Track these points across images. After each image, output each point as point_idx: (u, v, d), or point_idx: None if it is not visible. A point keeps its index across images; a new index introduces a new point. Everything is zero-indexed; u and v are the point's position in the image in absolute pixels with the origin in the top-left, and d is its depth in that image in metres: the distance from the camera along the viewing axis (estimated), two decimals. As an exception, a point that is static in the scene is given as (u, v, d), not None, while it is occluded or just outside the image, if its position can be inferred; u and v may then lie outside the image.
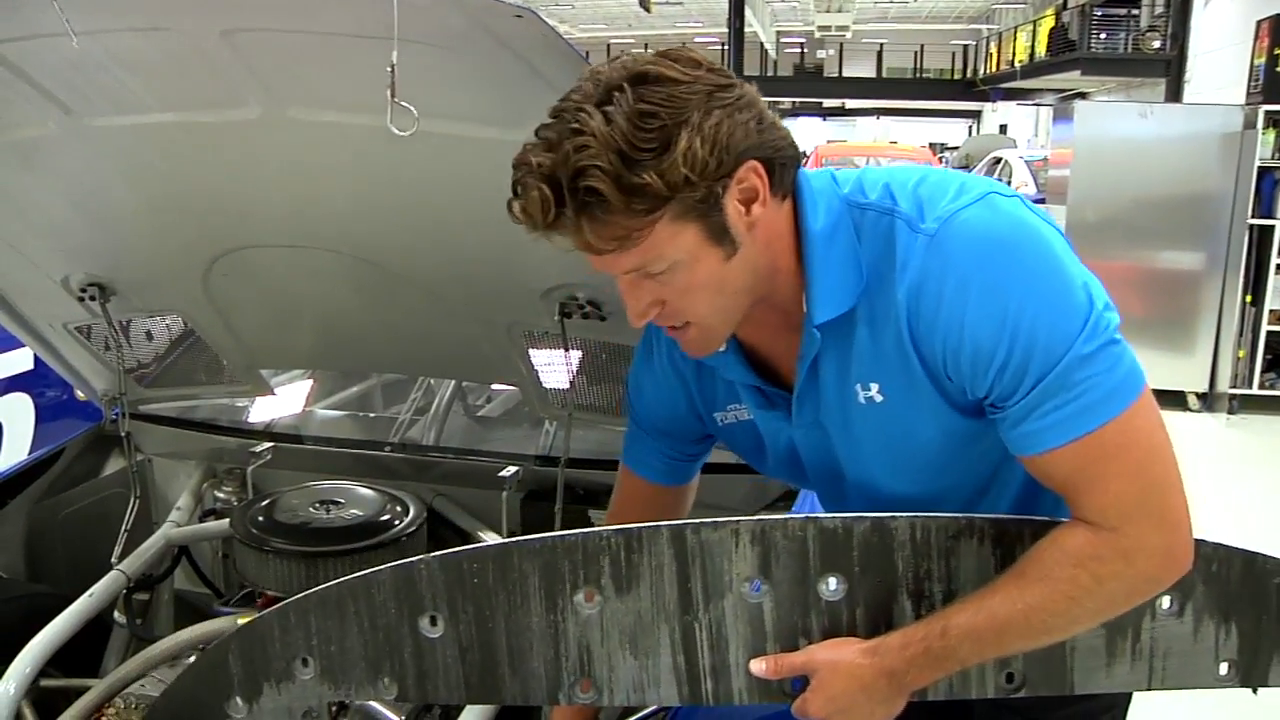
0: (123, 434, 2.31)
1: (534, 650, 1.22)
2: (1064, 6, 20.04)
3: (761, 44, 30.74)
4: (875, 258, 1.12)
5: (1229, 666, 1.19)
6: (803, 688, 1.16)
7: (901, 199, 1.11)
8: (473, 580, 1.22)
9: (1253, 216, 6.19)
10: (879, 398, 1.16)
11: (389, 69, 1.13)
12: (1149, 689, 1.19)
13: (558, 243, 1.06)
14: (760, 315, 1.18)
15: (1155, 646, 1.18)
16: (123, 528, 2.23)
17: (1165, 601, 1.17)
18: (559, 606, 1.21)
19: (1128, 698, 1.43)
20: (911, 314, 1.09)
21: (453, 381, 2.62)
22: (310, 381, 2.87)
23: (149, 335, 2.43)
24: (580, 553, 1.20)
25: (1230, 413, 6.45)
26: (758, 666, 1.17)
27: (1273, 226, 6.17)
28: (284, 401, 2.65)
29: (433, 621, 1.24)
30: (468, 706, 1.61)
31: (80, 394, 2.51)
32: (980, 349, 1.06)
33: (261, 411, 2.61)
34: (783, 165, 1.08)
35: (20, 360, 3.65)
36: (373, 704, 1.61)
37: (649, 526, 1.20)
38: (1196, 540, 1.12)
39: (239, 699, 1.33)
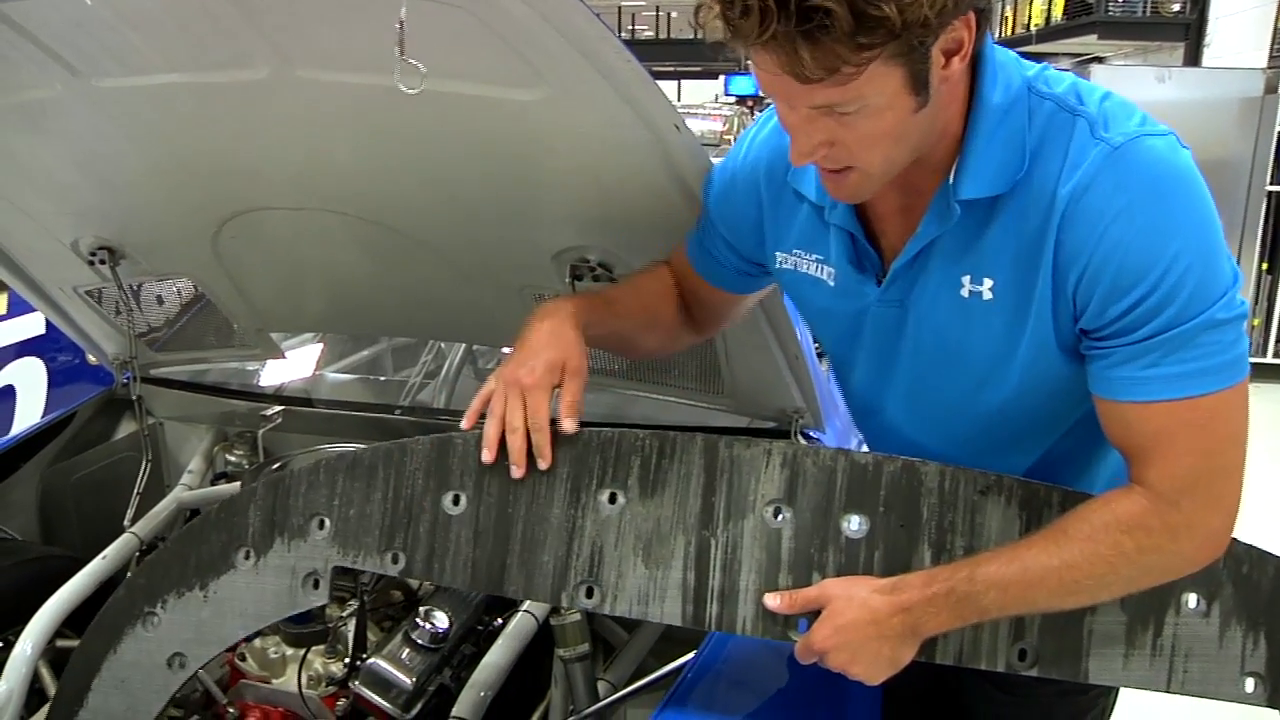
0: (134, 398, 2.31)
1: (547, 544, 1.22)
2: (1081, -31, 19.73)
3: (774, 7, 30.32)
4: (1043, 149, 1.08)
5: (1255, 683, 1.15)
6: (809, 628, 1.14)
7: (1089, 102, 1.09)
8: (504, 461, 1.23)
9: (1271, 183, 6.14)
10: (988, 294, 1.13)
11: (397, 25, 1.11)
12: (1167, 691, 1.16)
13: (753, 58, 1.00)
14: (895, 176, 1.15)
15: (1177, 645, 1.15)
16: (135, 491, 2.24)
17: (1191, 599, 1.14)
18: (581, 502, 1.21)
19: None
20: (1067, 216, 1.06)
21: (463, 345, 2.61)
22: (320, 345, 2.87)
23: (159, 299, 2.42)
24: (613, 450, 1.21)
25: (1245, 381, 6.42)
26: (772, 601, 1.16)
27: (1291, 193, 6.12)
28: (294, 365, 2.65)
29: (455, 500, 1.25)
30: (475, 674, 1.61)
31: (91, 358, 2.51)
32: (1125, 274, 1.03)
33: (272, 375, 2.61)
34: (986, 21, 1.04)
35: (32, 324, 3.66)
36: (382, 663, 1.62)
37: (684, 434, 1.19)
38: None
39: (248, 550, 1.34)
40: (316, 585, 1.33)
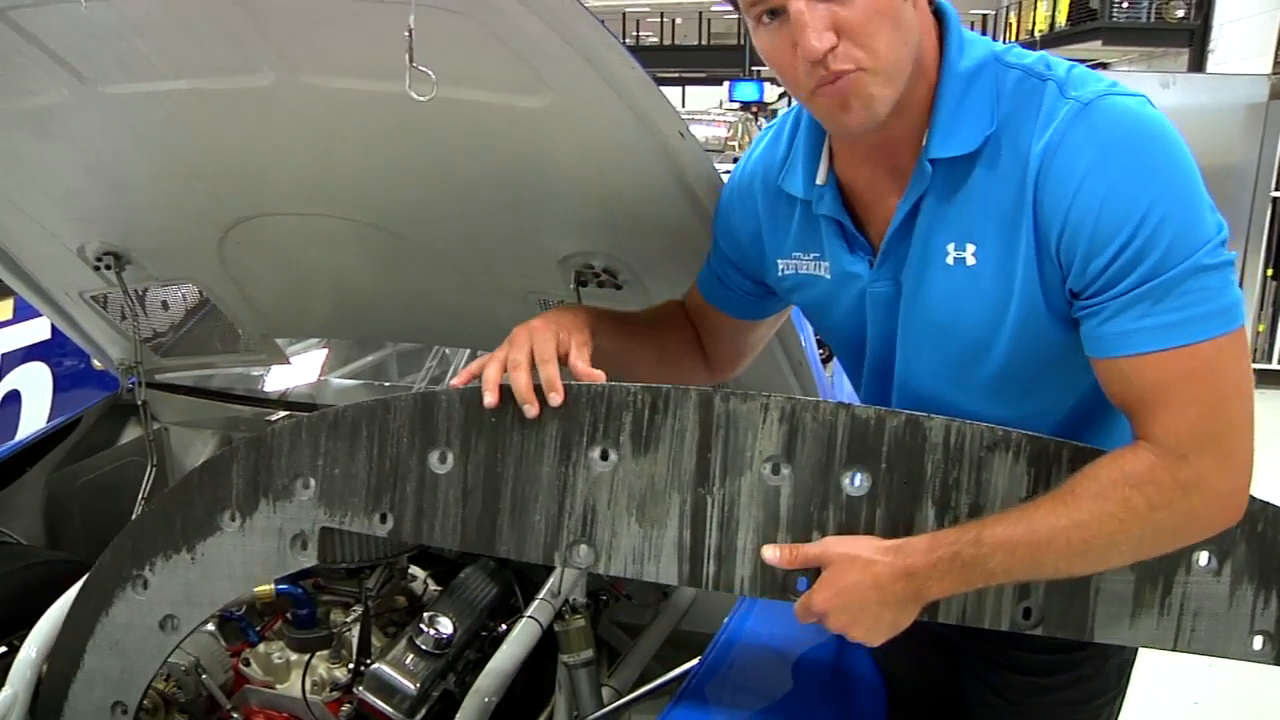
0: (139, 403, 2.32)
1: (538, 503, 1.20)
2: (1085, -25, 19.77)
3: (778, 13, 30.39)
4: (1014, 111, 1.11)
5: (1264, 641, 1.13)
6: (808, 588, 1.13)
7: (1056, 68, 1.12)
8: (491, 419, 1.21)
9: (1276, 189, 6.14)
10: (971, 260, 1.14)
11: (406, 33, 1.11)
12: (1174, 649, 1.14)
13: None
14: (871, 152, 1.18)
15: (1186, 604, 1.12)
16: (140, 495, 2.24)
17: (1203, 557, 1.12)
18: (572, 459, 1.19)
19: (1120, 691, 1.42)
20: (1043, 172, 1.08)
21: (468, 350, 2.62)
22: (325, 350, 2.88)
23: (165, 304, 2.43)
24: (604, 406, 1.18)
25: (1251, 387, 6.41)
26: (770, 554, 1.14)
27: (1295, 199, 6.11)
28: (299, 370, 2.66)
29: (442, 458, 1.23)
30: (479, 679, 1.61)
31: (97, 363, 2.52)
32: (1104, 224, 1.04)
33: (277, 380, 2.62)
34: None
35: (38, 330, 3.67)
36: (386, 669, 1.62)
37: (678, 388, 1.17)
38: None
39: (234, 511, 1.33)
40: (305, 546, 1.31)
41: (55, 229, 2.00)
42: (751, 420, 1.15)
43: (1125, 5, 17.17)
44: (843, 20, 1.06)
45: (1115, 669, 1.38)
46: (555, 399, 1.20)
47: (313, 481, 1.29)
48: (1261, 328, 6.35)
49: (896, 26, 1.08)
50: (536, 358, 1.21)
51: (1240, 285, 5.99)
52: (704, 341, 1.50)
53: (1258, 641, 1.14)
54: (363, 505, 1.27)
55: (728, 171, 1.46)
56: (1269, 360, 6.38)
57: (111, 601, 1.45)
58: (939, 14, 1.17)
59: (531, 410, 1.20)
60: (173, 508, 1.41)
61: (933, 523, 1.12)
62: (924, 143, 1.14)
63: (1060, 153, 1.07)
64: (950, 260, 1.16)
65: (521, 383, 1.20)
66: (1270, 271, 6.26)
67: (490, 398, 1.20)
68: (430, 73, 1.14)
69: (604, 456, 1.19)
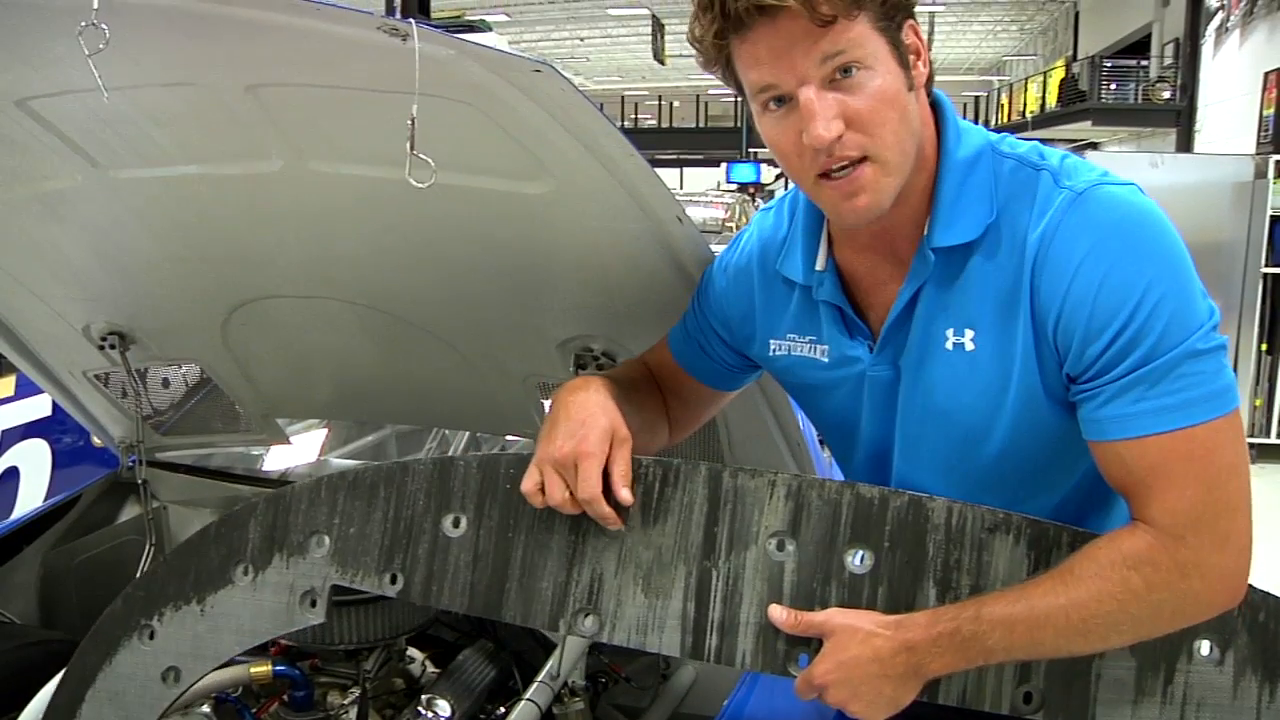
0: (139, 481, 2.32)
1: (546, 570, 1.22)
2: (1074, 58, 20.27)
3: (774, 95, 31.04)
4: (1010, 201, 1.14)
5: None
6: (808, 665, 1.13)
7: (1050, 158, 1.15)
8: (505, 486, 1.23)
9: (1266, 265, 6.20)
10: (970, 345, 1.16)
11: (409, 122, 1.15)
12: None
13: (761, 42, 1.08)
14: (870, 240, 1.20)
15: (1189, 693, 1.12)
16: (138, 575, 2.23)
17: (1205, 647, 1.12)
18: (581, 529, 1.20)
19: None
20: (1039, 259, 1.10)
21: (467, 433, 2.62)
22: (325, 430, 2.88)
23: (166, 383, 2.45)
24: None
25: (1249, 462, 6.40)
26: (777, 613, 1.15)
27: (1287, 276, 6.18)
28: (299, 450, 2.66)
29: (455, 523, 1.25)
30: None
31: (97, 440, 2.53)
32: (1100, 309, 1.06)
33: (276, 460, 2.62)
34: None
35: (39, 406, 3.68)
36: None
37: (688, 462, 1.18)
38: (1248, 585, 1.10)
39: (247, 565, 1.34)
40: (314, 604, 1.32)
41: (61, 309, 2.02)
42: (759, 496, 1.17)
43: (1113, 87, 17.57)
44: (850, 109, 1.09)
45: None
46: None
47: (327, 539, 1.31)
48: (1259, 402, 6.36)
49: (903, 117, 1.11)
50: (581, 496, 1.17)
51: (1235, 361, 6.02)
52: (668, 402, 1.49)
53: None
54: (374, 565, 1.29)
55: (725, 253, 1.48)
56: (1267, 435, 6.38)
57: (116, 650, 1.45)
58: (935, 105, 1.20)
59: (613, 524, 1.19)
60: (187, 559, 1.42)
61: (934, 602, 1.13)
62: (925, 231, 1.16)
63: (1056, 240, 1.09)
64: (949, 345, 1.17)
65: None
66: (1264, 346, 6.30)
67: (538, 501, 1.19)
68: (429, 160, 1.17)
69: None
